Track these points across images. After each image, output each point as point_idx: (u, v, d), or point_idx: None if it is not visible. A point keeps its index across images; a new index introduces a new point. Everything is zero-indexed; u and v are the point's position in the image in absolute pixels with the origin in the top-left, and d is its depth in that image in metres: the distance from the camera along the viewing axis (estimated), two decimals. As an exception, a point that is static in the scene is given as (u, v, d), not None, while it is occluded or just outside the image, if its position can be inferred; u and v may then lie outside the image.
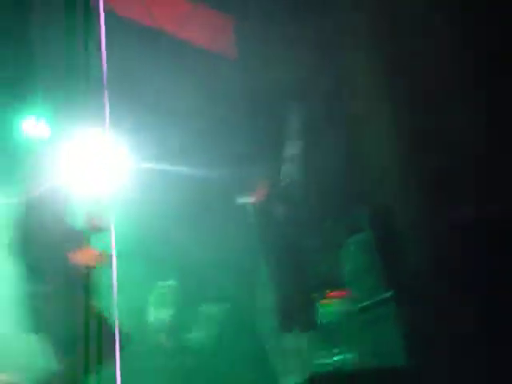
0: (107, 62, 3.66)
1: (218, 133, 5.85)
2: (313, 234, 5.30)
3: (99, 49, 3.75)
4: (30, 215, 3.67)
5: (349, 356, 5.28)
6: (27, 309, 3.61)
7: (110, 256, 3.86)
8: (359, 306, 4.96)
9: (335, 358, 5.01)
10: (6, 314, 4.84)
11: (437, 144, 4.45)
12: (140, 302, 6.02)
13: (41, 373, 3.63)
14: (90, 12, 4.03)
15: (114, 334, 3.64)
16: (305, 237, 5.09)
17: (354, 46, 5.27)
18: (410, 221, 5.44)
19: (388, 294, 4.30)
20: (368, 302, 4.93)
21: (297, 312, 4.70)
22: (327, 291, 5.80)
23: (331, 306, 5.73)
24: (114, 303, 3.79)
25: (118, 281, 3.86)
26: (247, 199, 5.06)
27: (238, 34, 6.18)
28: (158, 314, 6.03)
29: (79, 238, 3.75)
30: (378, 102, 5.11)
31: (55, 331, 3.55)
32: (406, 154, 4.94)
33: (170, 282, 6.08)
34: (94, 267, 3.73)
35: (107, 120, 3.73)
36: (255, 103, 5.77)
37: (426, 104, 4.55)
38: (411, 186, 4.98)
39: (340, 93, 5.57)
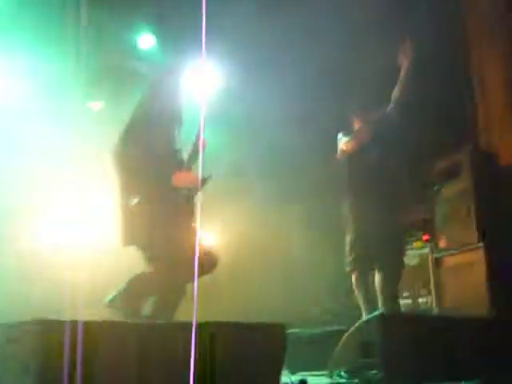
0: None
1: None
2: (408, 176, 5.16)
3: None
4: (137, 134, 3.70)
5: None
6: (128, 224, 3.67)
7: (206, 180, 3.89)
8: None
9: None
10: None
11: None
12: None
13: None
14: None
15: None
16: (399, 178, 4.96)
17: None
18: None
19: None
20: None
21: (386, 252, 4.64)
22: (420, 234, 5.73)
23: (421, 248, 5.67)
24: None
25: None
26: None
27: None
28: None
29: (180, 161, 3.85)
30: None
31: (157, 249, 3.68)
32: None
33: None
34: (195, 190, 3.81)
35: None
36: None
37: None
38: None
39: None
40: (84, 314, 2.57)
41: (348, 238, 4.77)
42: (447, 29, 5.58)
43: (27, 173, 5.34)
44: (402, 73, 4.75)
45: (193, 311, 2.93)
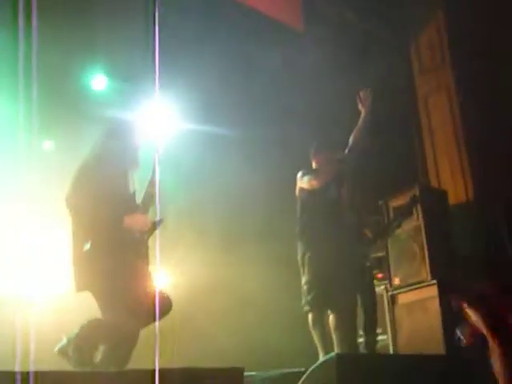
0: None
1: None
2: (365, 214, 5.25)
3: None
4: (90, 169, 3.69)
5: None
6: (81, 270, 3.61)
7: (159, 222, 3.87)
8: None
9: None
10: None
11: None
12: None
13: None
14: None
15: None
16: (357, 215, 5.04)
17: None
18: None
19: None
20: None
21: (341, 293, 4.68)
22: (375, 272, 5.78)
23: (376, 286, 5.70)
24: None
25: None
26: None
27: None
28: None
29: (134, 204, 3.81)
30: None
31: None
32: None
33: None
34: (147, 233, 3.77)
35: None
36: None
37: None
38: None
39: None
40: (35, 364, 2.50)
41: (304, 278, 4.78)
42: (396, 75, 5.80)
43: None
44: (361, 119, 4.91)
45: (146, 358, 2.89)
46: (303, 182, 4.93)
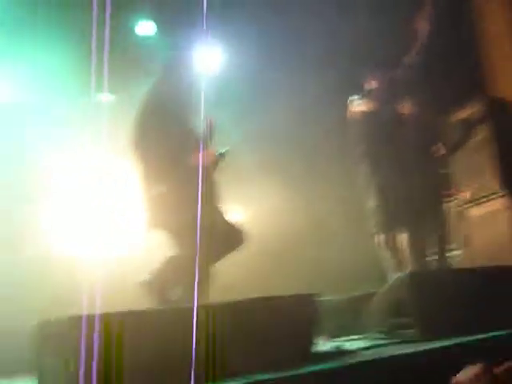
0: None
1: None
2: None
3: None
4: (151, 113, 3.73)
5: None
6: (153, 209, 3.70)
7: (225, 154, 3.91)
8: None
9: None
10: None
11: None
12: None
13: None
14: None
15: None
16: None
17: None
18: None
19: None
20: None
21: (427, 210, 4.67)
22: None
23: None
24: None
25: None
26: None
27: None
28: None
29: (197, 141, 3.85)
30: None
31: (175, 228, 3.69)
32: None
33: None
34: (213, 167, 3.83)
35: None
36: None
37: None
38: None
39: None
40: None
41: (372, 202, 4.76)
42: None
43: (39, 167, 5.38)
44: (421, 35, 4.75)
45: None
46: (359, 105, 4.85)
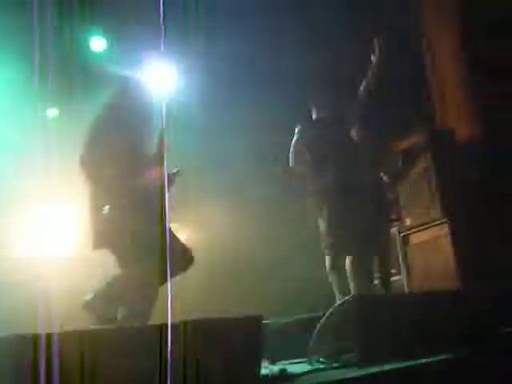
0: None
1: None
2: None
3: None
4: (101, 131, 3.71)
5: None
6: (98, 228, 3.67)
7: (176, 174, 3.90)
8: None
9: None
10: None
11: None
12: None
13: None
14: None
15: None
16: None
17: None
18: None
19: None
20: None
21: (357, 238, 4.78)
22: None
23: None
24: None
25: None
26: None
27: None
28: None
29: (149, 161, 3.83)
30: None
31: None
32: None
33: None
34: (165, 187, 3.81)
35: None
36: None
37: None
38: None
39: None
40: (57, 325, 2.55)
41: (322, 225, 4.90)
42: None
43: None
44: (375, 66, 4.94)
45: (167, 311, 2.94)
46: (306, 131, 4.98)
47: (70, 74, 5.74)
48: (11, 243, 5.59)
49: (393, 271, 5.38)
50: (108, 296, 3.55)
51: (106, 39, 5.97)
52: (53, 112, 6.55)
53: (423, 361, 3.02)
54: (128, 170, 3.64)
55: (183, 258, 3.71)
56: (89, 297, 3.55)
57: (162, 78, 4.74)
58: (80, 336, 2.58)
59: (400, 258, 5.55)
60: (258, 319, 3.11)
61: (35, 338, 2.36)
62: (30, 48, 4.32)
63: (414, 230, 5.43)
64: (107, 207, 3.59)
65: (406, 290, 5.40)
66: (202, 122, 6.03)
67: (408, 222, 5.49)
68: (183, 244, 3.81)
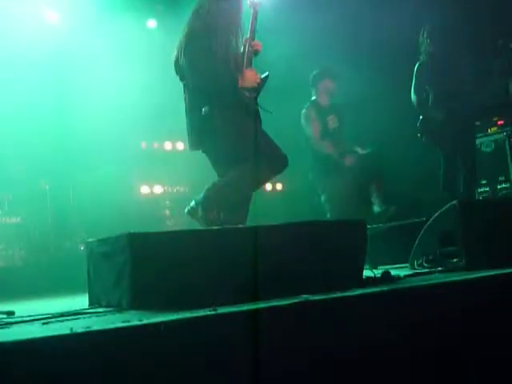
0: None
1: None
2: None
3: None
4: (196, 35, 3.70)
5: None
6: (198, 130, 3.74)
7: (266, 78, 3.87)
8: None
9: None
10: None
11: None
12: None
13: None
14: None
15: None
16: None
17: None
18: None
19: None
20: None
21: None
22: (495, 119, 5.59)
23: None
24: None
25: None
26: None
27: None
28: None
29: (240, 64, 3.80)
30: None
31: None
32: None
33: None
34: (257, 88, 3.79)
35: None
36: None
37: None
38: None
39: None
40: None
41: None
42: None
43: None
44: None
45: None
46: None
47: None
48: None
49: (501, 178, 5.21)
50: (209, 201, 3.64)
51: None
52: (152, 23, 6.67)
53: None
54: (227, 70, 3.65)
55: (277, 160, 3.73)
56: (191, 205, 3.67)
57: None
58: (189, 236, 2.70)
59: (509, 165, 5.33)
60: (361, 223, 3.13)
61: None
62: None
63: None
64: (206, 107, 3.62)
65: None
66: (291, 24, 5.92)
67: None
68: (277, 147, 3.80)
